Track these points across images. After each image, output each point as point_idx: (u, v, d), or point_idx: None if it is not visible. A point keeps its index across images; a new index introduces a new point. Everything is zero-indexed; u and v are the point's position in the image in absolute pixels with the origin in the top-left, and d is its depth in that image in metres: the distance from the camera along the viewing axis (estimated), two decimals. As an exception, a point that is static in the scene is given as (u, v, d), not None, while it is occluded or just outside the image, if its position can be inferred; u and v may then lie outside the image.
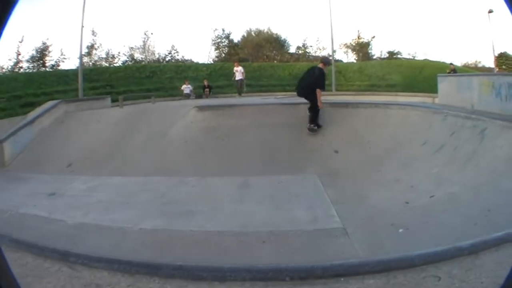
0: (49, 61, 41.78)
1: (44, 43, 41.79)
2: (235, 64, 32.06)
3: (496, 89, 13.88)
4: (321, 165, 8.32)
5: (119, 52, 47.16)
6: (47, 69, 39.87)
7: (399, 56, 51.91)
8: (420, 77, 34.92)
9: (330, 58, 17.97)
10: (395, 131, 11.56)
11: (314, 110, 12.47)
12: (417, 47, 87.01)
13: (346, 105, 14.65)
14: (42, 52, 41.55)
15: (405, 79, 35.46)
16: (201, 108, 14.26)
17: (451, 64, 33.17)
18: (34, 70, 39.22)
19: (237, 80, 30.38)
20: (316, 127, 12.28)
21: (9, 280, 2.35)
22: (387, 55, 53.00)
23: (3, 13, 2.16)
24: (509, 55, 46.02)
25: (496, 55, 40.50)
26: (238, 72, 30.38)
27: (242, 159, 11.00)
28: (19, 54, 40.96)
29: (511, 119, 9.02)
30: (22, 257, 4.25)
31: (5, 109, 24.22)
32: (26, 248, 4.53)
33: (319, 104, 12.39)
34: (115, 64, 43.66)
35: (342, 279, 4.01)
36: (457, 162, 8.59)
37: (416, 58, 49.46)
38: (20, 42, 42.24)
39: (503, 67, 42.88)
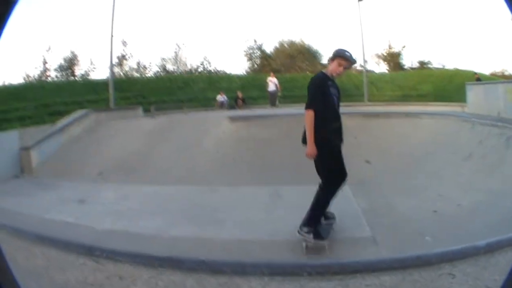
0: (78, 70, 42.71)
1: (72, 53, 42.70)
2: (271, 74, 32.36)
3: None
4: (352, 175, 8.24)
5: (150, 63, 47.90)
6: (77, 79, 40.62)
7: (429, 65, 51.95)
8: (450, 86, 35.13)
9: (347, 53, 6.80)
10: (425, 140, 11.72)
11: (321, 191, 6.49)
12: (447, 56, 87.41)
13: (377, 115, 14.68)
14: (70, 62, 42.41)
15: (435, 89, 35.91)
16: (233, 119, 14.44)
17: (475, 73, 34.13)
18: (63, 79, 40.00)
19: (270, 91, 30.53)
20: (311, 235, 6.16)
21: (9, 280, 2.40)
22: (418, 65, 53.03)
23: (3, 13, 2.19)
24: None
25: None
26: (272, 83, 30.53)
27: (273, 169, 11.14)
28: (46, 63, 41.87)
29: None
30: (47, 251, 4.38)
31: (32, 117, 24.71)
32: (50, 243, 4.66)
33: (309, 149, 6.32)
34: (146, 75, 44.32)
35: (358, 275, 4.32)
36: (484, 170, 8.93)
37: (445, 68, 49.25)
38: (47, 51, 43.24)
39: None
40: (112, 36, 28.27)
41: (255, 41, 52.31)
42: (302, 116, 14.65)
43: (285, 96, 33.38)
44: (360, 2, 36.36)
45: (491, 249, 4.19)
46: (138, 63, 45.58)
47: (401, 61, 52.86)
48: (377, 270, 4.01)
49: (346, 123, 12.29)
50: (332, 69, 6.69)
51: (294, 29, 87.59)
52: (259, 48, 52.70)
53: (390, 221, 7.20)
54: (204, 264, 4.17)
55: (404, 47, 52.83)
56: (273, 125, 13.86)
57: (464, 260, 4.11)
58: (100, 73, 41.00)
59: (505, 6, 2.09)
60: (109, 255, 4.27)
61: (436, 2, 72.55)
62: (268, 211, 8.23)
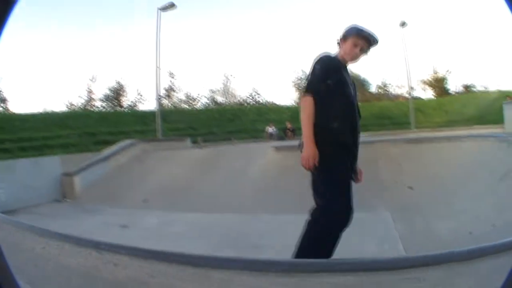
0: (125, 101, 43.75)
1: (118, 83, 43.79)
2: None
3: None
4: (394, 201, 8.82)
5: (199, 94, 48.74)
6: (124, 109, 41.55)
7: (473, 89, 53.46)
8: (493, 108, 35.11)
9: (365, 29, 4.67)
10: (465, 163, 11.50)
11: (313, 224, 4.80)
12: (489, 78, 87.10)
13: (420, 140, 14.48)
14: (117, 92, 43.46)
15: (480, 112, 36.45)
16: (278, 149, 14.48)
17: (507, 96, 34.45)
18: (109, 109, 41.03)
19: None
20: None
21: (9, 280, 2.41)
22: (462, 88, 54.82)
23: (3, 13, 2.19)
24: None
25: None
26: None
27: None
28: (91, 92, 42.99)
29: None
30: (61, 244, 4.73)
31: (76, 144, 25.39)
32: (64, 239, 4.97)
33: (306, 151, 4.53)
34: (195, 106, 45.06)
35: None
36: None
37: (488, 90, 50.03)
38: (91, 80, 44.47)
39: None
40: (158, 68, 29.21)
41: (302, 71, 53.11)
42: None
43: None
44: (402, 27, 37.77)
45: (471, 256, 4.05)
46: (187, 95, 46.58)
47: (446, 85, 53.44)
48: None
49: (390, 150, 13.03)
50: (345, 51, 4.72)
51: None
52: (307, 78, 53.30)
53: (427, 244, 7.11)
54: (183, 257, 4.26)
55: (448, 71, 54.66)
56: None
57: (440, 266, 3.99)
58: (148, 104, 42.10)
59: (505, 6, 2.03)
60: (111, 249, 4.49)
61: (477, 23, 72.40)
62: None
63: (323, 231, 4.64)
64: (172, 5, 29.43)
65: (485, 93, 47.41)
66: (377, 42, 4.83)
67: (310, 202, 10.15)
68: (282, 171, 13.00)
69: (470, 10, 73.43)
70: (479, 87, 53.63)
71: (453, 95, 51.76)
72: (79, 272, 4.19)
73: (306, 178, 11.51)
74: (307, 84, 4.65)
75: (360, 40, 4.68)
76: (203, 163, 15.51)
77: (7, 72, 72.73)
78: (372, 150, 13.07)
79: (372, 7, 79.16)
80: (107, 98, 43.86)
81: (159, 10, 29.35)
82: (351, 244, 7.24)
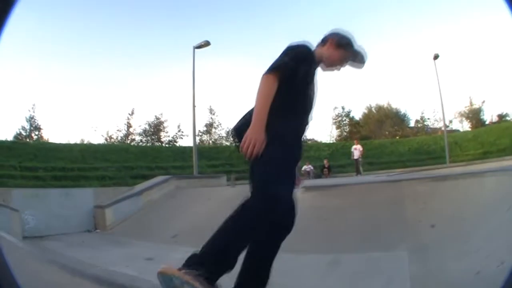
0: (165, 136, 44.38)
1: (157, 118, 44.46)
2: (355, 142, 33.39)
3: None
4: (414, 240, 8.72)
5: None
6: (163, 144, 42.14)
7: (507, 118, 52.80)
8: None
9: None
10: (486, 199, 10.74)
11: (240, 211, 4.11)
12: None
13: (445, 178, 13.97)
14: (156, 127, 44.12)
15: None
16: (307, 189, 14.31)
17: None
18: (148, 144, 41.73)
19: (356, 159, 31.36)
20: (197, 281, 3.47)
21: (9, 280, 2.55)
22: (497, 118, 54.36)
23: (3, 13, 2.35)
24: None
25: None
26: (357, 150, 31.32)
27: (340, 237, 10.66)
28: (130, 126, 43.72)
29: None
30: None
31: (113, 178, 25.80)
32: (61, 266, 5.26)
33: (251, 131, 3.60)
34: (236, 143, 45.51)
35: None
36: None
37: None
38: (131, 114, 45.10)
39: None
40: (194, 106, 29.53)
41: (343, 108, 53.69)
42: (373, 184, 15.19)
43: (372, 163, 35.06)
44: (435, 60, 37.37)
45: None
46: (228, 132, 47.21)
47: (481, 117, 53.51)
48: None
49: (416, 188, 12.60)
50: (328, 56, 4.22)
51: (381, 92, 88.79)
52: (347, 115, 53.90)
53: (434, 285, 6.79)
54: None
55: (484, 101, 55.00)
56: (345, 194, 13.67)
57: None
58: (188, 140, 42.55)
59: (505, 6, 2.19)
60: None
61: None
62: (323, 278, 7.88)
63: (246, 223, 3.99)
64: (207, 43, 30.00)
65: None
66: (363, 64, 4.39)
67: (330, 243, 10.29)
68: (308, 211, 13.09)
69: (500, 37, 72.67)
70: None
71: (488, 125, 51.37)
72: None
73: (329, 218, 11.60)
74: (275, 61, 3.84)
75: (349, 55, 4.26)
76: (233, 201, 15.19)
77: (46, 100, 74.30)
78: (398, 189, 13.06)
79: (405, 41, 78.97)
80: (145, 133, 44.36)
81: (194, 49, 29.86)
82: (358, 281, 7.33)
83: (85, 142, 39.28)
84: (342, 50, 4.18)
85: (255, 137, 3.54)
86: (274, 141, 3.61)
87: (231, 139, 4.59)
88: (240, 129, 3.81)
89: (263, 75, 3.69)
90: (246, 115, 3.94)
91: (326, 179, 25.93)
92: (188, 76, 45.17)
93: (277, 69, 3.71)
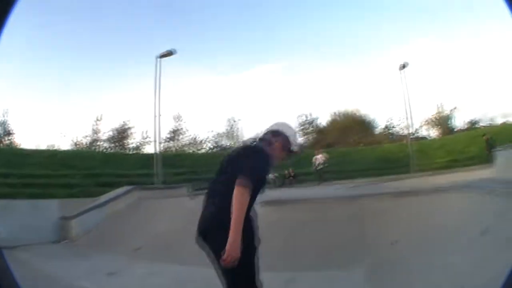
0: (131, 143, 44.67)
1: (124, 125, 44.72)
2: (317, 151, 34.36)
3: None
4: (373, 258, 9.13)
5: (206, 138, 49.23)
6: (129, 151, 42.45)
7: (478, 125, 53.54)
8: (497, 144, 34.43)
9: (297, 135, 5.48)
10: (449, 217, 11.63)
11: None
12: (496, 109, 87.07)
13: (407, 193, 14.65)
14: (121, 133, 44.36)
15: (483, 150, 35.87)
16: (266, 203, 14.47)
17: (484, 135, 36.57)
18: (113, 151, 42.32)
19: (318, 169, 32.42)
20: None
21: (9, 280, 2.72)
22: (467, 125, 54.77)
23: (2, 13, 2.53)
24: None
25: None
26: (319, 159, 32.42)
27: (297, 255, 11.14)
28: (97, 133, 43.96)
29: None
30: None
31: (80, 185, 26.19)
32: None
33: (231, 249, 4.05)
34: (200, 151, 45.94)
35: None
36: (499, 245, 8.70)
37: (493, 124, 51.10)
38: (98, 120, 45.20)
39: None
40: (158, 115, 30.82)
41: (307, 116, 54.10)
42: (335, 199, 15.33)
43: (336, 171, 35.10)
44: (403, 69, 38.60)
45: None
46: (193, 138, 47.39)
47: (451, 124, 55.35)
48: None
49: (376, 204, 13.12)
50: (275, 152, 4.93)
51: (348, 99, 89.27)
52: (311, 122, 54.62)
53: None
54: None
55: (454, 108, 54.99)
56: (304, 209, 14.13)
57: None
58: (153, 146, 42.53)
59: (505, 6, 2.44)
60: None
61: (480, 53, 72.89)
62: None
63: None
64: (170, 53, 31.05)
65: (490, 127, 48.09)
66: (298, 155, 5.25)
67: (288, 260, 10.51)
68: (267, 226, 13.39)
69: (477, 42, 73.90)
70: (485, 121, 54.41)
71: (457, 133, 52.09)
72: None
73: (288, 234, 11.81)
74: (249, 172, 4.34)
75: (292, 153, 5.04)
76: (194, 214, 15.34)
77: (15, 105, 73.62)
78: (359, 205, 13.60)
79: (374, 50, 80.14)
80: (112, 139, 45.23)
81: (158, 58, 30.87)
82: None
83: (54, 148, 39.35)
84: (287, 150, 4.99)
85: (234, 255, 4.02)
86: (243, 248, 4.15)
87: (196, 240, 4.72)
88: (206, 231, 4.53)
89: (240, 186, 4.20)
90: (207, 212, 4.66)
91: (288, 190, 26.46)
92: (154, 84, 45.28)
93: (252, 183, 4.25)
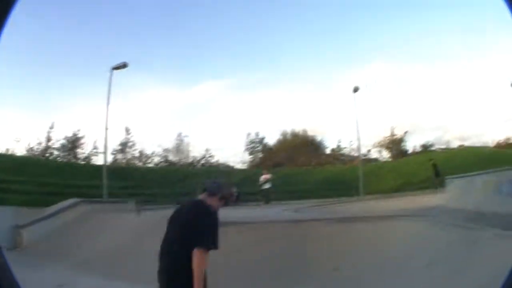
0: (82, 153, 44.88)
1: (75, 134, 44.84)
2: (264, 171, 34.15)
3: (501, 187, 14.70)
4: (315, 284, 9.46)
5: (153, 152, 49.17)
6: (79, 161, 42.76)
7: (433, 148, 54.39)
8: (451, 167, 35.42)
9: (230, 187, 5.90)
10: (395, 246, 11.86)
11: None
12: (452, 132, 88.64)
13: (353, 219, 14.94)
14: (73, 143, 44.75)
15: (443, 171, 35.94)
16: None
17: (431, 159, 36.98)
18: (65, 160, 42.66)
19: (264, 189, 32.26)
20: None
21: (9, 280, 2.81)
22: (421, 148, 55.24)
23: (2, 14, 2.55)
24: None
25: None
26: (265, 180, 32.35)
27: (238, 277, 11.33)
28: (49, 140, 44.03)
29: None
30: None
31: (30, 193, 26.59)
32: None
33: None
34: (148, 164, 46.51)
35: None
36: (446, 275, 9.03)
37: (449, 147, 52.48)
38: (51, 128, 44.99)
39: None
40: (107, 128, 31.07)
41: (256, 134, 54.95)
42: (278, 223, 15.58)
43: (284, 191, 34.67)
44: (355, 93, 39.09)
45: None
46: (141, 152, 47.56)
47: (403, 147, 55.44)
48: None
49: (321, 229, 13.31)
50: (214, 205, 5.68)
51: (299, 118, 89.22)
52: (261, 141, 55.83)
53: None
54: None
55: (406, 132, 54.89)
56: (245, 232, 14.26)
57: None
58: (107, 157, 42.22)
59: (505, 6, 2.55)
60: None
61: (434, 76, 74.37)
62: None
63: None
64: (123, 65, 31.49)
65: (445, 151, 49.66)
66: (228, 196, 5.96)
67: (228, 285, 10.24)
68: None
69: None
70: (441, 144, 55.45)
71: (410, 156, 52.38)
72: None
73: (230, 258, 11.02)
74: (206, 238, 5.13)
75: (228, 198, 5.85)
76: (140, 230, 15.90)
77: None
78: (302, 230, 13.65)
79: (328, 71, 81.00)
80: (64, 148, 44.92)
81: (112, 70, 31.24)
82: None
83: (7, 153, 39.31)
84: (225, 201, 5.79)
85: None
86: None
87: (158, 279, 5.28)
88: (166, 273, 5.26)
89: (199, 251, 4.98)
90: (163, 254, 5.38)
91: (232, 210, 26.03)
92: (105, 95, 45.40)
93: (209, 249, 5.05)
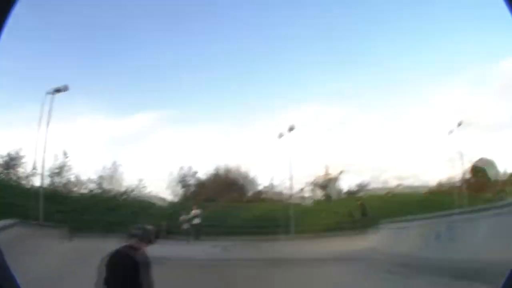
0: (22, 172, 44.48)
1: (16, 153, 44.55)
2: (194, 207, 35.36)
3: (435, 232, 15.07)
4: None
5: (88, 178, 49.29)
6: (20, 181, 42.93)
7: (369, 187, 53.48)
8: (387, 208, 36.80)
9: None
10: None
11: None
12: (390, 171, 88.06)
13: (279, 262, 15.43)
14: (13, 161, 44.57)
15: (373, 211, 36.71)
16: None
17: (359, 200, 38.79)
18: (4, 177, 42.77)
19: (193, 224, 33.33)
20: None
21: (9, 280, 2.96)
22: (356, 188, 54.27)
23: (2, 13, 2.73)
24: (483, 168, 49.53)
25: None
26: (195, 215, 33.61)
27: None
28: (-7, 159, 44.12)
29: (439, 272, 10.42)
30: None
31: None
32: None
33: None
34: (83, 190, 46.46)
35: None
36: None
37: (387, 186, 52.29)
38: (-6, 146, 44.83)
39: None
40: (44, 152, 33.28)
41: (189, 168, 54.84)
42: (201, 262, 17.10)
43: (213, 226, 35.16)
44: (290, 132, 40.26)
45: None
46: (76, 177, 47.95)
47: (338, 186, 54.67)
48: None
49: (246, 271, 13.59)
50: (141, 245, 7.33)
51: (233, 154, 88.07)
52: (193, 175, 55.58)
53: None
54: None
55: (341, 171, 54.27)
56: (163, 271, 12.14)
57: None
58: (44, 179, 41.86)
59: (504, 6, 2.78)
60: None
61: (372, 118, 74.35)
62: None
63: None
64: (65, 88, 33.36)
65: (380, 191, 49.60)
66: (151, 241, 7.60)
67: None
68: None
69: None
70: (377, 183, 53.79)
71: (344, 195, 52.06)
72: None
73: None
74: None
75: (150, 241, 7.43)
76: (69, 260, 16.54)
77: None
78: (229, 270, 14.27)
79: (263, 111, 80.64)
80: (4, 166, 43.90)
81: (53, 92, 32.77)
82: None
83: None
84: (148, 242, 7.34)
85: None
86: None
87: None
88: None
89: None
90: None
91: (160, 246, 25.76)
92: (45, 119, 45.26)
93: None
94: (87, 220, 32.96)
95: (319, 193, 55.67)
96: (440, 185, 52.70)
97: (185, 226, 34.08)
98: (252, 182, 57.28)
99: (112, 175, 48.75)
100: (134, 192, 48.29)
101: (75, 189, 45.88)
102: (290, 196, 44.65)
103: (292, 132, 40.55)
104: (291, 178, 43.03)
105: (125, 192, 47.63)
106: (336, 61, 67.42)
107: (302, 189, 52.06)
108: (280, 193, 52.99)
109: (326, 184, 54.72)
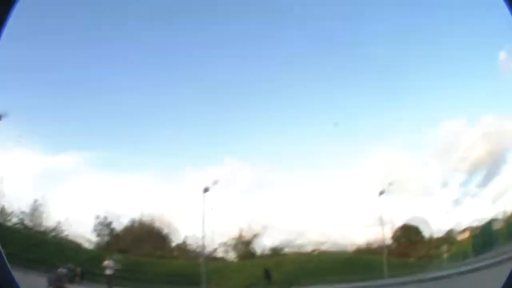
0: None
1: None
2: (106, 258, 35.96)
3: None
4: None
5: (12, 212, 49.54)
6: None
7: (283, 251, 53.71)
8: (304, 270, 38.73)
9: None
10: None
11: None
12: (307, 235, 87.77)
13: None
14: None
15: (286, 276, 38.98)
16: None
17: (265, 268, 38.43)
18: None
19: (106, 275, 34.05)
20: None
21: (9, 280, 3.15)
22: (270, 251, 54.86)
23: (3, 13, 2.84)
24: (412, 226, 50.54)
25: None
26: (108, 266, 34.33)
27: None
28: None
29: None
30: None
31: None
32: None
33: None
34: (7, 223, 46.18)
35: None
36: None
37: (302, 251, 51.96)
38: None
39: None
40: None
41: (105, 217, 54.56)
42: None
43: (127, 278, 36.46)
44: (205, 193, 42.13)
45: None
46: (3, 208, 47.68)
47: (251, 249, 55.42)
48: None
49: None
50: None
51: (149, 208, 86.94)
52: (108, 225, 55.10)
53: None
54: None
55: (256, 235, 54.99)
56: None
57: None
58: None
59: (504, 6, 2.94)
60: None
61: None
62: None
63: None
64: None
65: (297, 254, 49.60)
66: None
67: None
68: None
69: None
70: (294, 246, 53.45)
71: (258, 258, 52.56)
72: None
73: None
74: None
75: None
76: None
77: None
78: None
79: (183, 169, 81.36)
80: None
81: None
82: None
83: None
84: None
85: None
86: None
87: None
88: None
89: None
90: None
91: None
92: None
93: None
94: (9, 253, 33.66)
95: (232, 254, 56.70)
96: (367, 247, 53.22)
97: (108, 271, 34.53)
98: (166, 237, 57.99)
99: (33, 213, 49.26)
100: (53, 234, 49.35)
101: (0, 220, 46.63)
102: (203, 255, 45.57)
103: (207, 193, 43.04)
104: (203, 238, 44.85)
105: (44, 231, 48.15)
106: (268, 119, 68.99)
107: (215, 249, 53.54)
108: (193, 251, 53.75)
109: (239, 245, 55.58)
